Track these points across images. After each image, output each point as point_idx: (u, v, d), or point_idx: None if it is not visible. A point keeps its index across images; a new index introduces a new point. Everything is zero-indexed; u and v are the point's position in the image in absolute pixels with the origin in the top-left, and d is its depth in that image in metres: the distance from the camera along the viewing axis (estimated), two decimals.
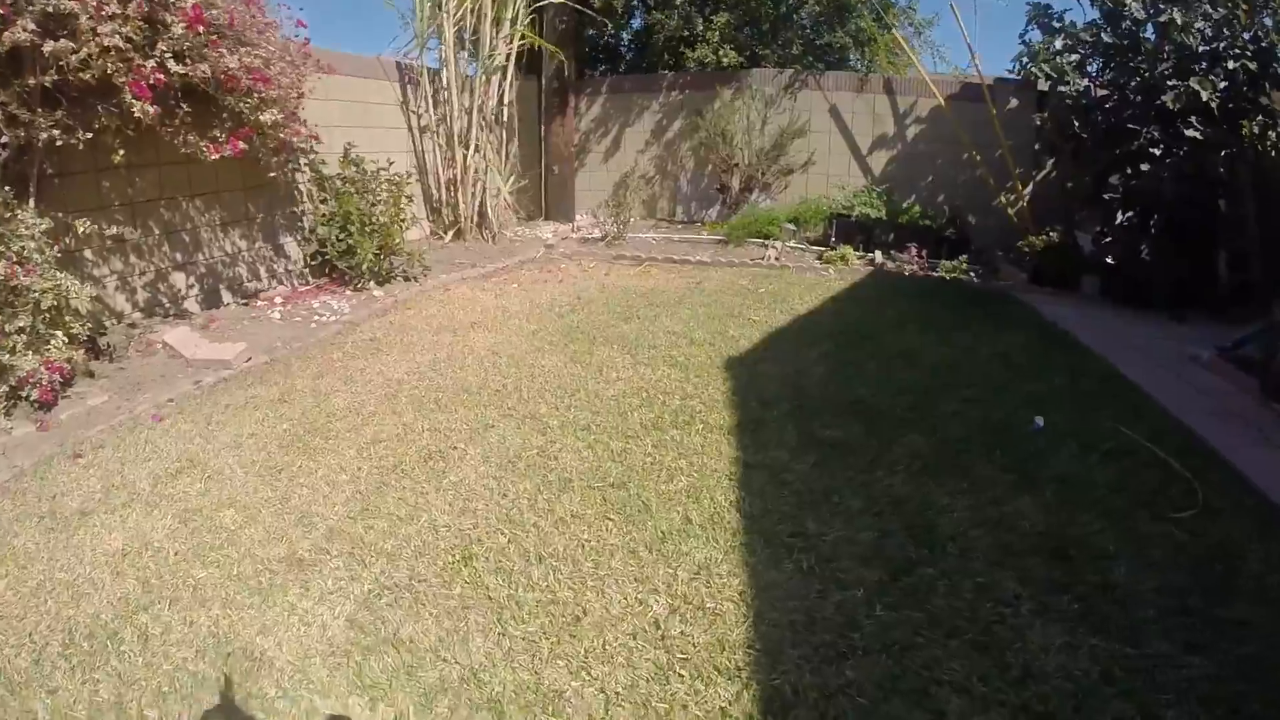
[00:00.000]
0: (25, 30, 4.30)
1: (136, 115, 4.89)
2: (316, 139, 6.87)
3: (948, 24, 34.31)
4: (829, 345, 5.89)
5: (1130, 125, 7.44)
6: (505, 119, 10.05)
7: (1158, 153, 7.23)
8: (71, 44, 4.49)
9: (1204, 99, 6.98)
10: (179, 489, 3.67)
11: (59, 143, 4.78)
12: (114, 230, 5.69)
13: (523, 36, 9.80)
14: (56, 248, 4.75)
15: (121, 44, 4.60)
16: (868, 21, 11.19)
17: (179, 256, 6.47)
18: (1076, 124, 8.20)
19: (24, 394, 4.37)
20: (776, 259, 9.26)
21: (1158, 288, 7.28)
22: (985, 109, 9.47)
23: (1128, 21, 7.97)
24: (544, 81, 11.09)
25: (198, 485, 3.71)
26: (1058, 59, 8.37)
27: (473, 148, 9.45)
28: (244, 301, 7.03)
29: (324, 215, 7.56)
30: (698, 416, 4.53)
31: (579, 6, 10.37)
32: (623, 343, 5.91)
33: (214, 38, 5.29)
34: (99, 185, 5.69)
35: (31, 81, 4.62)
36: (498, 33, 9.50)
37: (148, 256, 6.20)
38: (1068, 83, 8.23)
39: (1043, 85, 8.85)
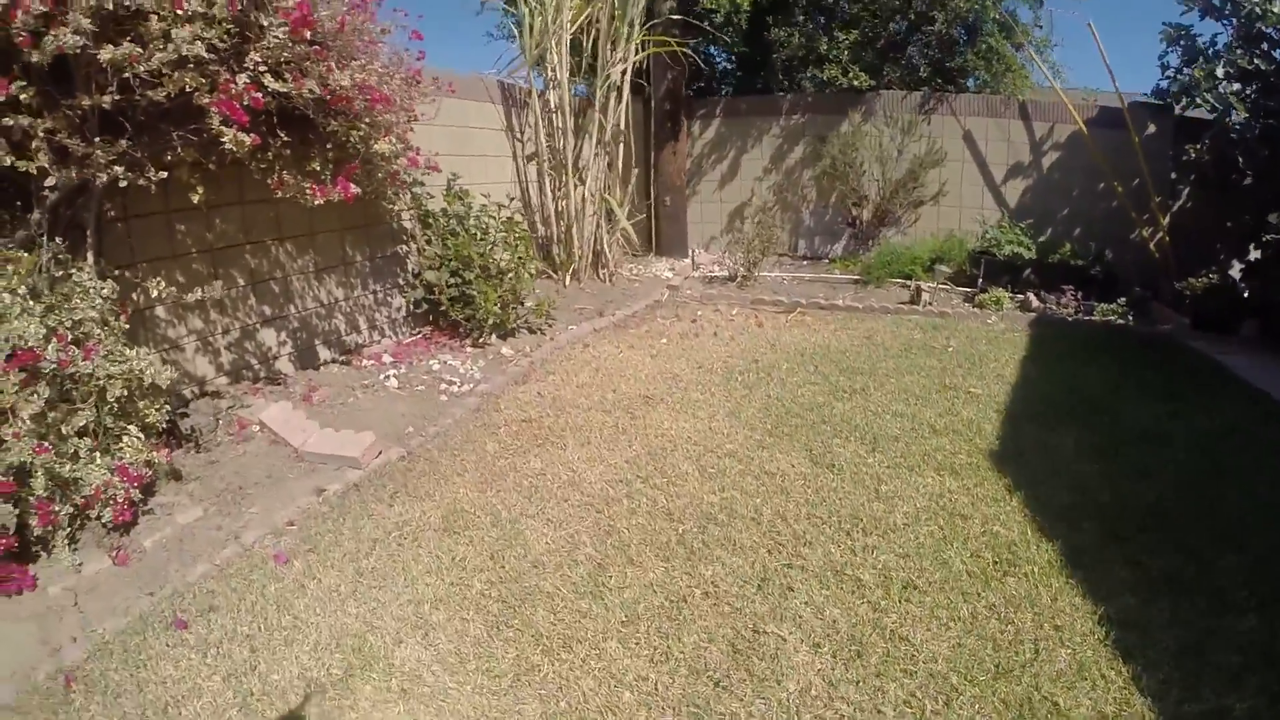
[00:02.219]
0: (78, 32, 2.94)
1: (226, 146, 3.47)
2: (435, 169, 5.41)
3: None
4: (1072, 426, 4.63)
5: None
6: (619, 146, 8.46)
7: None
8: (138, 49, 3.12)
9: None
10: (357, 710, 2.26)
11: (123, 183, 3.40)
12: (194, 293, 4.45)
13: (642, 48, 8.30)
14: (124, 317, 3.45)
15: (204, 52, 3.22)
16: (999, 40, 9.56)
17: (268, 310, 5.06)
18: (1241, 159, 7.27)
19: (93, 514, 3.07)
20: (930, 303, 7.83)
21: None
22: (1125, 135, 8.35)
23: (1265, 44, 7.14)
24: (654, 104, 9.51)
25: (385, 703, 2.31)
26: (1219, 88, 7.28)
27: (589, 181, 7.92)
28: (344, 358, 5.60)
29: (431, 257, 6.13)
30: (1015, 551, 3.24)
31: (697, 23, 8.99)
32: (855, 432, 4.45)
33: (317, 47, 3.83)
34: (172, 229, 4.34)
35: (86, 103, 3.22)
36: (613, 51, 8.01)
37: (232, 312, 4.80)
38: (1231, 114, 7.18)
39: (1196, 112, 7.92)
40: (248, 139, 3.46)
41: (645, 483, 3.74)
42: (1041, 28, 9.96)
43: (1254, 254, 7.55)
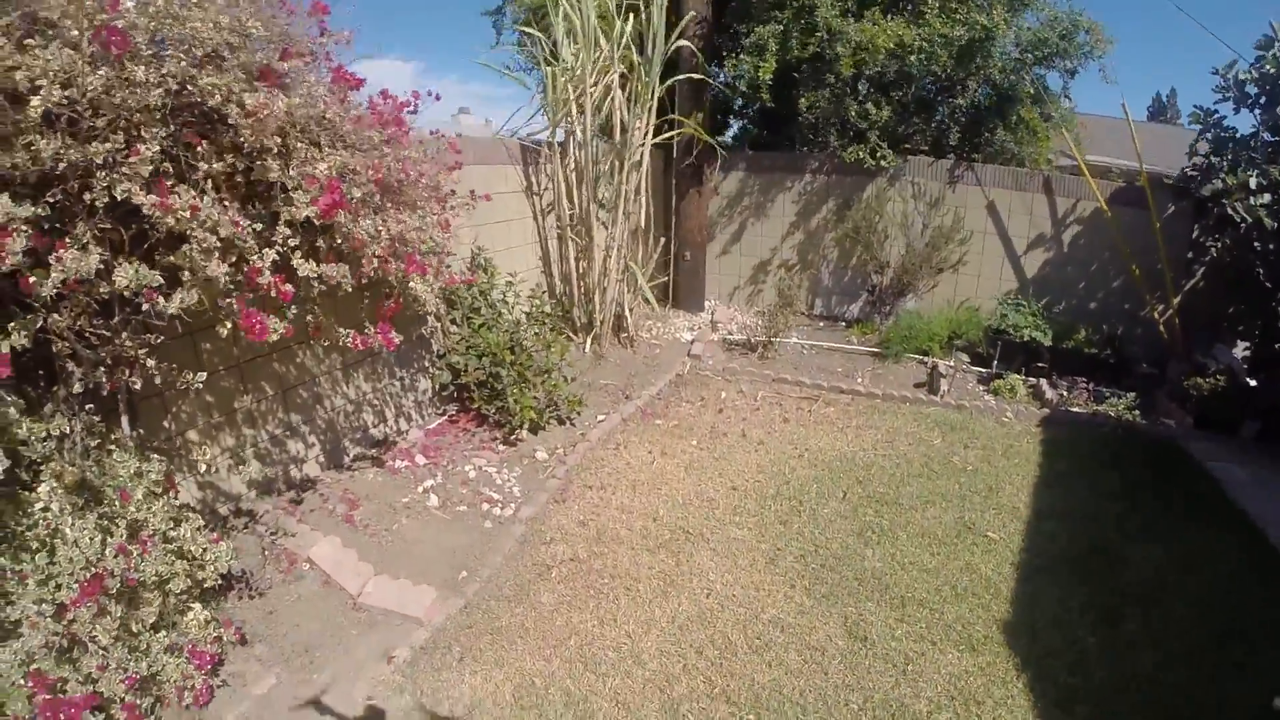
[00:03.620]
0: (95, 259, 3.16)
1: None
2: (470, 282, 6.04)
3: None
4: (1078, 582, 5.11)
5: None
6: (641, 206, 8.88)
7: None
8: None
9: None
10: None
11: (156, 376, 3.76)
12: (222, 413, 4.75)
13: (673, 124, 8.77)
14: (174, 491, 3.79)
15: (225, 274, 3.48)
16: (1030, 112, 10.09)
17: (296, 417, 5.43)
18: (1260, 269, 7.87)
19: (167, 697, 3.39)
20: (946, 391, 8.39)
21: None
22: (1145, 214, 9.03)
23: None
24: (675, 153, 9.91)
25: None
26: (1250, 199, 7.84)
27: (616, 249, 8.31)
28: (373, 453, 6.01)
29: (457, 340, 6.57)
30: None
31: (721, 86, 9.66)
32: (885, 594, 4.96)
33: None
34: (198, 350, 4.62)
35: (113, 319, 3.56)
36: (639, 109, 8.40)
37: (261, 424, 5.16)
38: (1261, 223, 7.69)
39: (1212, 201, 8.55)
40: (281, 328, 3.70)
41: (700, 655, 4.22)
42: (1070, 100, 10.53)
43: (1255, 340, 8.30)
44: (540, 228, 8.47)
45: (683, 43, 8.68)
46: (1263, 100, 8.19)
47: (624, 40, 8.12)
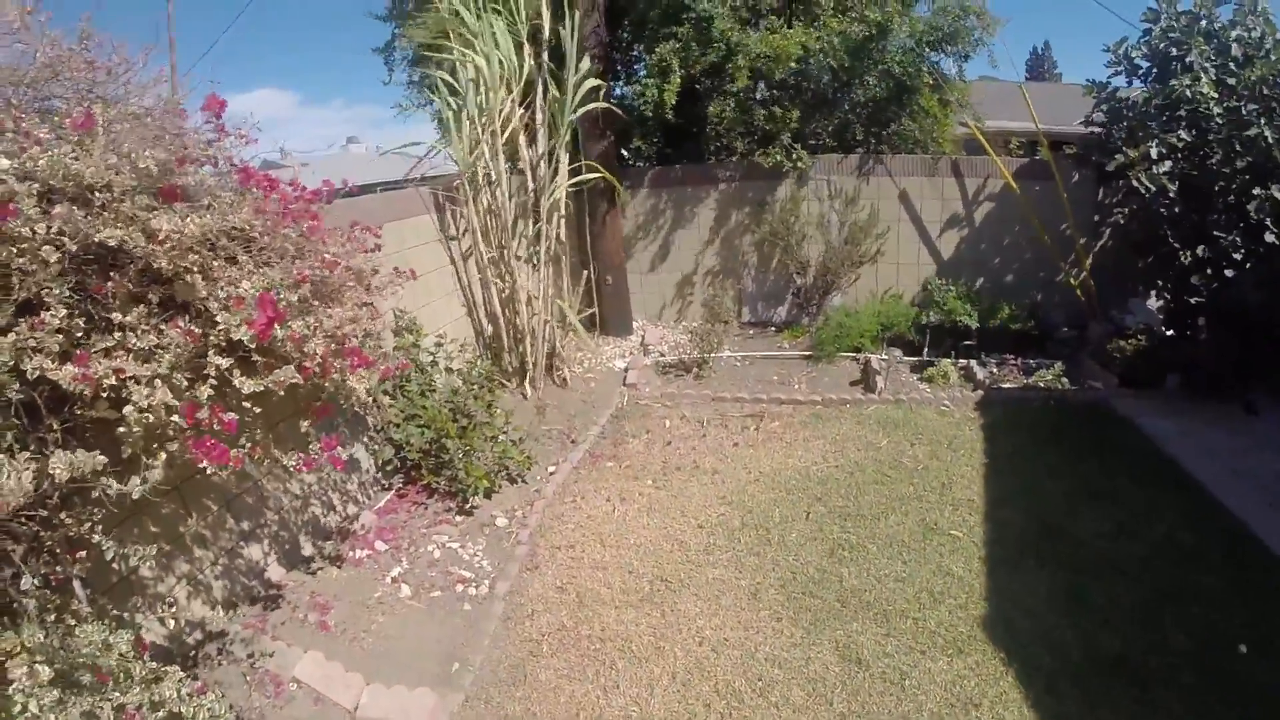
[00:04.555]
0: None
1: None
2: (405, 368, 6.14)
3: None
4: (1040, 567, 5.62)
5: (1217, 233, 7.87)
6: (562, 238, 9.07)
7: (1239, 257, 7.71)
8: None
9: None
10: None
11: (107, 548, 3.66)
12: (171, 541, 4.62)
13: (583, 169, 9.12)
14: (145, 651, 3.64)
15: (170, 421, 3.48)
16: (929, 99, 10.66)
17: (246, 524, 5.39)
18: (1169, 232, 8.40)
19: None
20: (884, 385, 8.82)
21: (1231, 381, 8.03)
22: (1051, 185, 9.74)
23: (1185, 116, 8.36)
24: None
25: None
26: (1152, 168, 8.44)
27: (541, 288, 8.53)
28: (332, 549, 5.96)
29: (395, 413, 6.62)
30: None
31: (624, 108, 9.85)
32: (868, 610, 5.26)
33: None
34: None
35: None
36: (553, 144, 8.64)
37: (212, 542, 5.08)
38: (1165, 190, 8.33)
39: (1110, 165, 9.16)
40: (239, 453, 3.71)
41: (709, 709, 4.39)
42: (965, 81, 11.07)
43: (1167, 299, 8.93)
44: (461, 274, 8.53)
45: (583, 70, 8.85)
46: (1154, 72, 8.88)
47: (525, 74, 8.33)
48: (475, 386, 6.89)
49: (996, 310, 9.86)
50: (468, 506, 6.53)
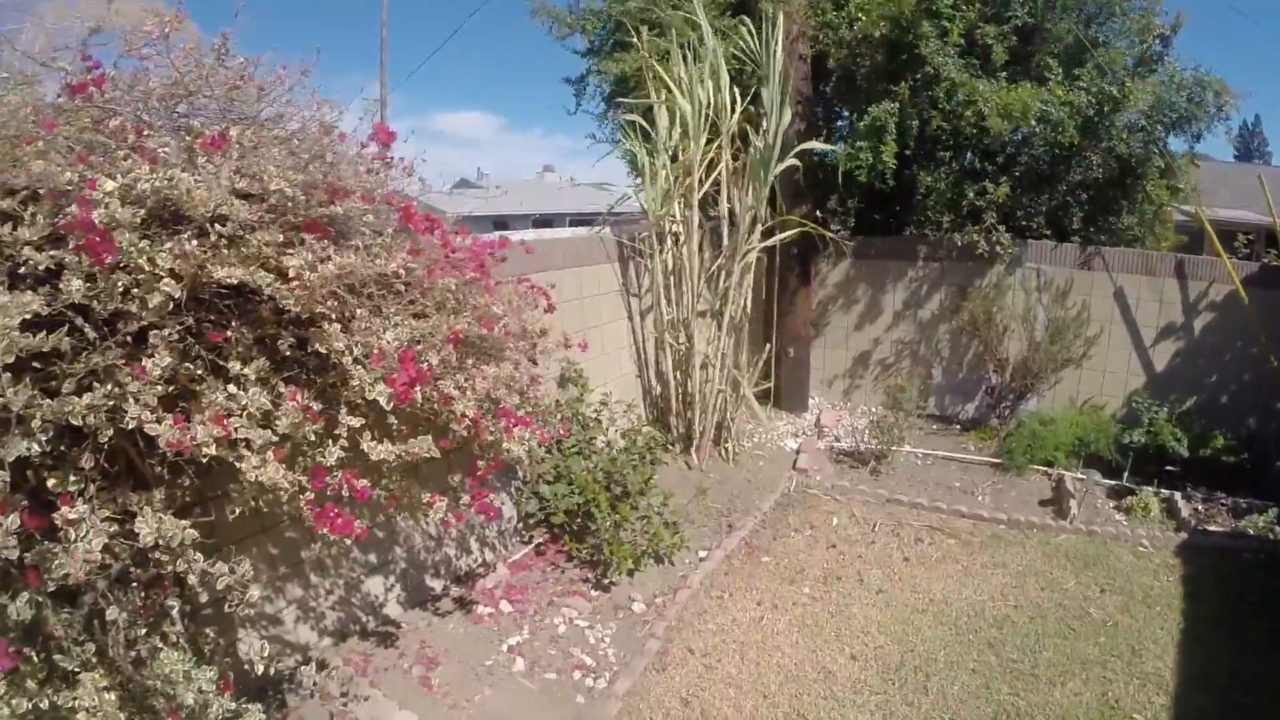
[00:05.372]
0: None
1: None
2: (564, 436, 5.79)
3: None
4: None
5: None
6: (747, 305, 8.67)
7: None
8: None
9: None
10: None
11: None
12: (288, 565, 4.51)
13: (778, 229, 8.65)
14: (228, 692, 3.38)
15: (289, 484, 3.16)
16: (1158, 186, 9.69)
17: (373, 557, 5.28)
18: None
19: None
20: (1076, 511, 7.96)
21: None
22: None
23: None
24: (778, 246, 9.49)
25: None
26: None
27: (720, 356, 8.11)
28: (456, 593, 5.82)
29: (547, 468, 6.33)
30: None
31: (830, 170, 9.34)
32: None
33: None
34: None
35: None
36: (752, 201, 8.18)
37: (333, 571, 5.00)
38: None
39: None
40: (361, 525, 3.40)
41: None
42: (1199, 166, 10.09)
43: None
44: (637, 330, 8.30)
45: (785, 122, 8.35)
46: None
47: (733, 128, 7.94)
48: (635, 456, 6.51)
49: (1209, 439, 8.83)
50: (605, 582, 6.19)
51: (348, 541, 4.86)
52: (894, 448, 8.85)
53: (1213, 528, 7.91)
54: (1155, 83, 9.07)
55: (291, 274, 3.20)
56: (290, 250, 3.28)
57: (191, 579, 3.18)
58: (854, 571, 6.88)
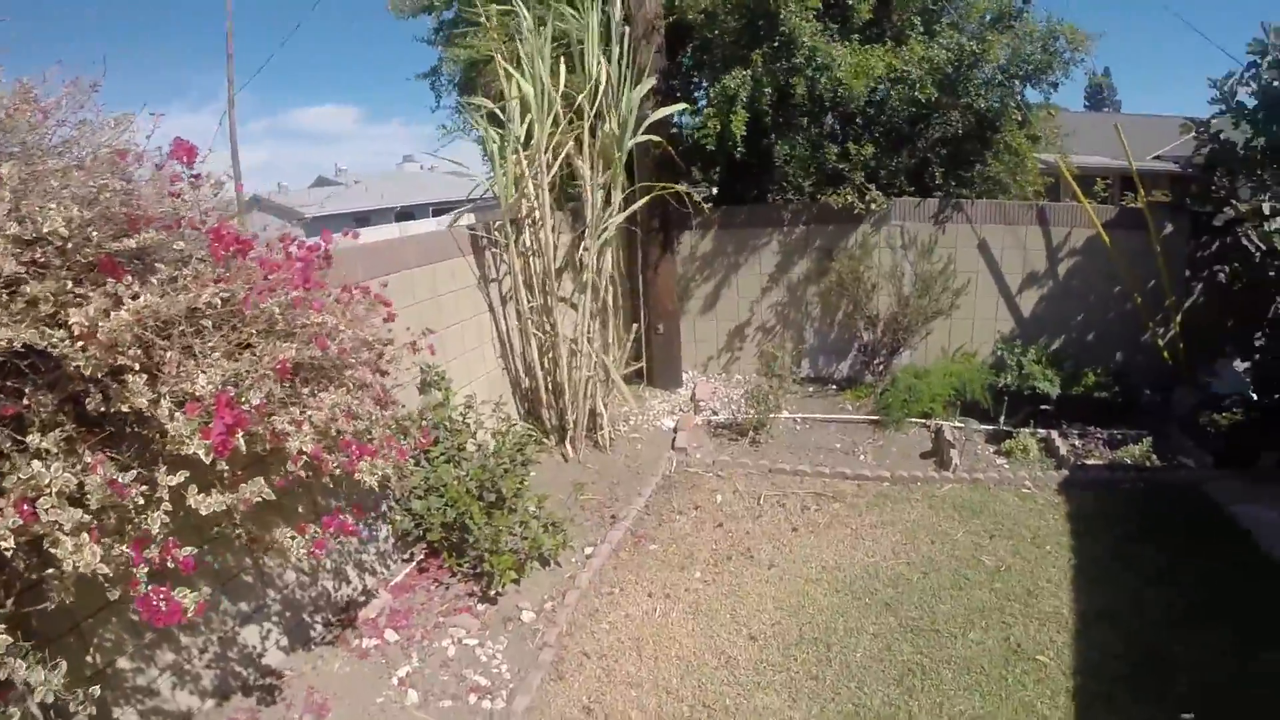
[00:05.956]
0: None
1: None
2: (426, 446, 5.40)
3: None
4: (1151, 713, 4.76)
5: None
6: (611, 283, 8.44)
7: None
8: None
9: None
10: None
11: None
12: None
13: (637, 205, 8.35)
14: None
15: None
16: (1016, 137, 9.80)
17: (245, 606, 4.85)
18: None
19: None
20: (958, 460, 8.01)
21: None
22: (1143, 238, 9.01)
23: None
24: (640, 217, 9.26)
25: None
26: (1265, 225, 7.62)
27: (584, 342, 7.88)
28: (338, 624, 5.43)
29: (417, 481, 5.93)
30: None
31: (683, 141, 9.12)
32: None
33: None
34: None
35: None
36: (605, 178, 7.99)
37: (204, 628, 4.55)
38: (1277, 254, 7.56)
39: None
40: (193, 601, 3.10)
41: None
42: (1055, 114, 10.27)
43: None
44: (500, 323, 7.94)
45: (639, 95, 8.10)
46: (1260, 115, 7.89)
47: (586, 105, 7.70)
48: (506, 458, 6.21)
49: (1080, 376, 9.09)
50: (491, 594, 5.86)
51: (207, 590, 4.46)
52: (772, 415, 8.77)
53: (1091, 461, 8.08)
54: (1012, 35, 9.20)
55: (77, 330, 2.82)
56: (82, 296, 2.92)
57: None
58: (743, 549, 6.72)
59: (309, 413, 3.67)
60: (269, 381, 3.48)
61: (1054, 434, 8.56)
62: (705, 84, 9.90)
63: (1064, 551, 6.59)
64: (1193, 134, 8.72)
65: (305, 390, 3.87)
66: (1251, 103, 8.04)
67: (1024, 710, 4.82)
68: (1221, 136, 8.47)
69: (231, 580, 4.75)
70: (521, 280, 7.74)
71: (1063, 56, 9.21)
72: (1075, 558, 6.49)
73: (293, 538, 3.81)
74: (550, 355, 7.94)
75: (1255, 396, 8.42)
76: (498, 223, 7.60)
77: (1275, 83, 7.71)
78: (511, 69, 7.43)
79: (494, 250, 7.75)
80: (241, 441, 3.21)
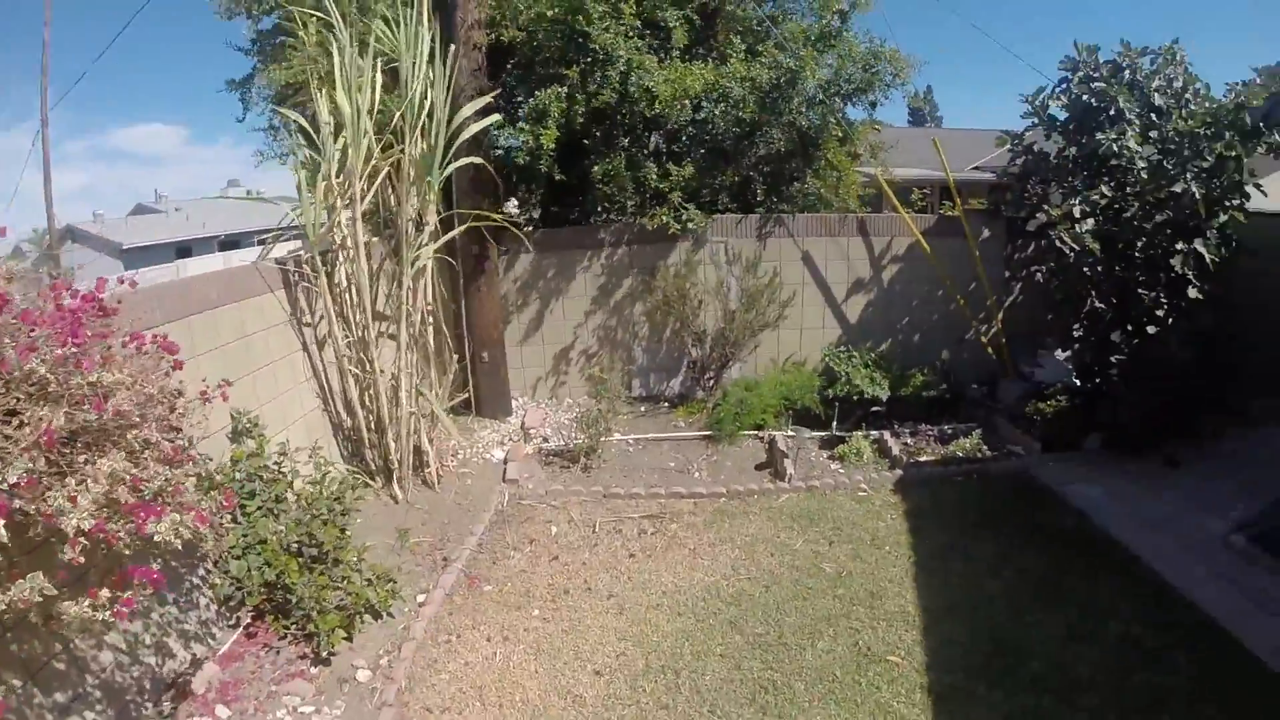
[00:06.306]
0: None
1: None
2: (229, 507, 4.79)
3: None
4: (1004, 697, 4.85)
5: (1140, 291, 7.68)
6: (432, 313, 8.06)
7: (1161, 314, 7.65)
8: None
9: (1207, 259, 7.51)
10: None
11: None
12: None
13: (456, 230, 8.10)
14: None
15: None
16: (837, 154, 10.16)
17: (60, 697, 4.26)
18: (1092, 291, 8.15)
19: None
20: (793, 469, 8.05)
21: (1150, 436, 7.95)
22: (963, 243, 9.59)
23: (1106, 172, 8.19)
24: (458, 245, 8.87)
25: None
26: (1076, 227, 8.11)
27: (405, 374, 7.47)
28: (166, 706, 4.85)
29: (234, 540, 5.44)
30: None
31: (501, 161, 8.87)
32: None
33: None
34: None
35: None
36: (422, 204, 7.64)
37: None
38: (1088, 249, 7.98)
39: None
40: None
41: None
42: (879, 129, 10.66)
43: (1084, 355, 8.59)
44: (317, 361, 7.42)
45: (461, 117, 7.78)
46: (1071, 126, 8.54)
47: (403, 126, 7.33)
48: (324, 508, 5.83)
49: (908, 377, 9.42)
50: (324, 655, 5.40)
51: (17, 684, 3.97)
52: (603, 439, 8.59)
53: (924, 458, 8.30)
54: (835, 56, 9.51)
55: None
56: None
57: None
58: (581, 581, 6.47)
59: (89, 482, 3.31)
60: (35, 454, 3.10)
61: (886, 435, 8.74)
62: (525, 103, 9.72)
63: (904, 550, 6.68)
64: (1008, 146, 9.29)
65: (83, 458, 3.49)
66: (1063, 115, 8.72)
67: (881, 712, 4.80)
68: (1035, 148, 9.05)
69: (42, 670, 4.21)
70: (335, 315, 7.27)
71: (884, 78, 9.65)
72: (915, 555, 6.59)
73: (93, 606, 3.46)
74: (370, 393, 7.50)
75: (1078, 383, 8.86)
76: (308, 255, 7.19)
77: (1085, 96, 8.36)
78: (327, 89, 7.03)
79: (306, 284, 7.32)
80: (1, 530, 2.82)
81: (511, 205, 10.64)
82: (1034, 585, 5.99)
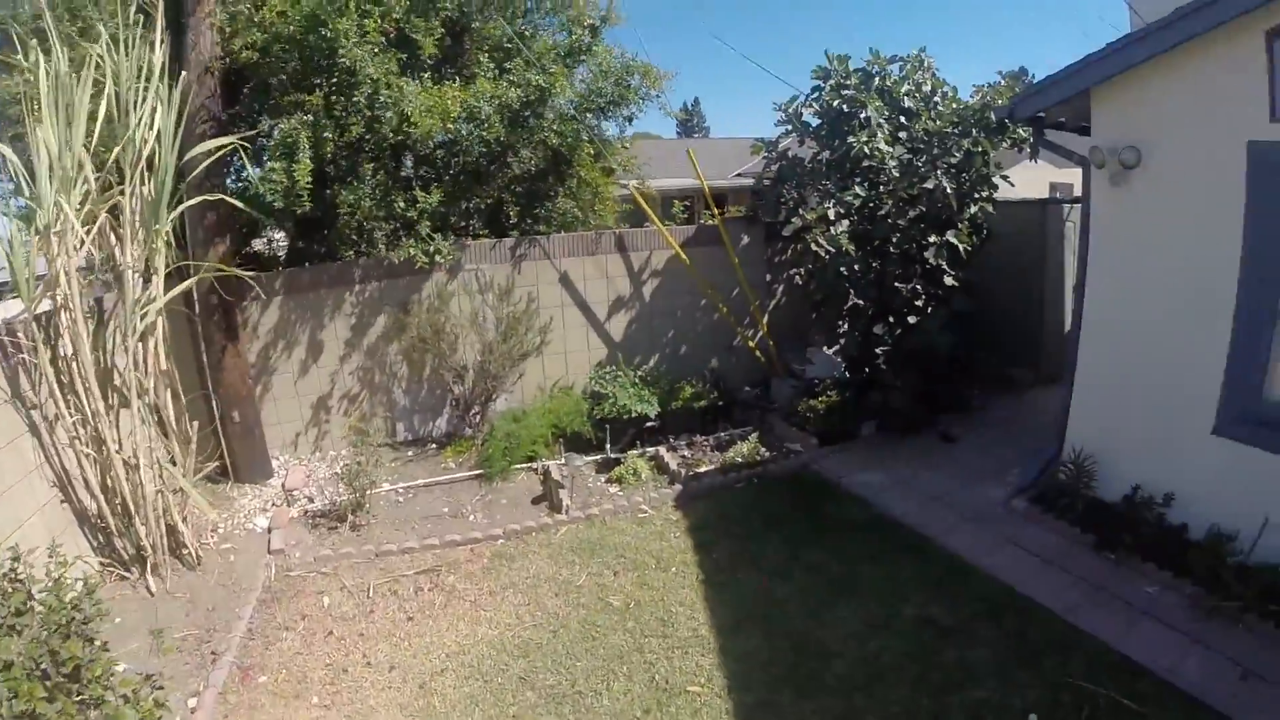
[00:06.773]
0: None
1: None
2: None
3: None
4: (814, 703, 4.96)
5: (897, 284, 8.29)
6: (166, 370, 7.27)
7: (919, 304, 8.37)
8: None
9: (960, 249, 8.28)
10: None
11: None
12: None
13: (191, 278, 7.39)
14: None
15: None
16: (591, 170, 10.22)
17: None
18: (851, 289, 8.58)
19: None
20: (570, 499, 7.93)
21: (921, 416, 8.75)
22: (724, 251, 9.89)
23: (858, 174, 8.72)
24: (195, 296, 8.11)
25: None
26: (831, 229, 8.56)
27: (143, 455, 6.75)
28: None
29: None
30: None
31: (244, 198, 8.15)
32: None
33: None
34: None
35: None
36: (146, 251, 6.93)
37: None
38: (845, 252, 8.39)
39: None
40: None
41: None
42: (628, 146, 10.80)
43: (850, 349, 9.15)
44: (48, 445, 6.52)
45: (194, 151, 7.18)
46: (824, 131, 9.01)
47: (127, 160, 6.61)
48: (64, 618, 5.20)
49: (678, 391, 9.54)
50: None
51: None
52: (370, 491, 7.97)
53: (703, 469, 8.37)
54: (586, 72, 9.58)
55: None
56: None
57: None
58: (360, 655, 5.90)
59: None
60: None
61: (662, 450, 8.78)
62: (269, 131, 9.01)
63: (691, 569, 6.68)
64: (763, 153, 9.72)
65: None
66: (816, 121, 9.23)
67: None
68: (790, 153, 9.48)
69: None
70: (62, 388, 6.51)
71: (639, 91, 9.74)
72: (703, 572, 6.61)
73: None
74: (111, 474, 6.77)
75: (848, 375, 9.33)
76: (21, 318, 6.36)
77: (835, 103, 8.84)
78: (33, 121, 6.22)
79: (24, 355, 6.47)
80: None
81: (260, 243, 10.01)
82: (828, 581, 6.15)
